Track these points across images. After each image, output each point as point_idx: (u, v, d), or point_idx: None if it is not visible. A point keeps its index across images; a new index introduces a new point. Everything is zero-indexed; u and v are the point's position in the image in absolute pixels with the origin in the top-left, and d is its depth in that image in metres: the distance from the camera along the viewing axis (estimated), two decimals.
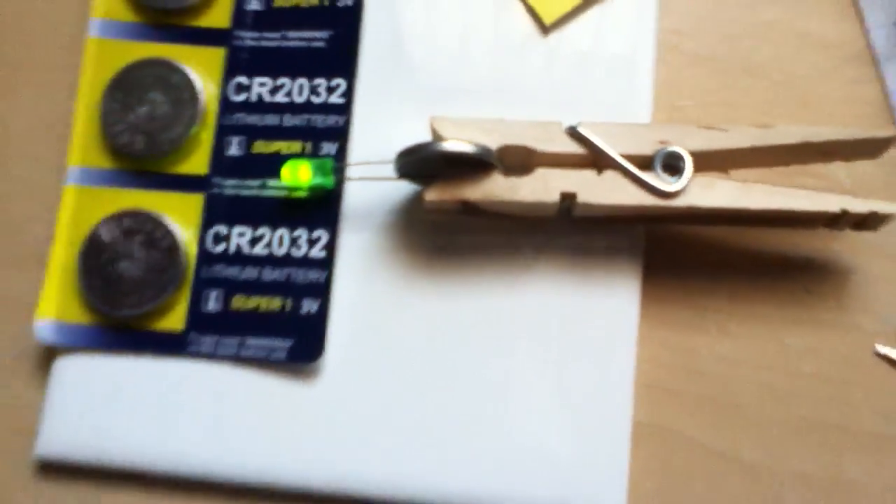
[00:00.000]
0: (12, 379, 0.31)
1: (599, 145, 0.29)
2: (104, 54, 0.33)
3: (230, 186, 0.31)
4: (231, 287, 0.30)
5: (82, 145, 0.32)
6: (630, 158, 0.29)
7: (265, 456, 0.29)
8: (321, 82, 0.32)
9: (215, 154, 0.32)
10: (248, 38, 0.33)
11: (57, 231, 0.31)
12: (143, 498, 0.30)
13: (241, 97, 0.32)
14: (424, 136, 0.29)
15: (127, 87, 0.32)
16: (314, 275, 0.30)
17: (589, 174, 0.29)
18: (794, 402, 0.30)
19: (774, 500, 0.29)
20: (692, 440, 0.30)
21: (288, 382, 0.30)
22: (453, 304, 0.30)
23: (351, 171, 0.31)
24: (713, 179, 0.29)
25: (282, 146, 0.31)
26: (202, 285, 0.30)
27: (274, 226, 0.31)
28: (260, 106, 0.32)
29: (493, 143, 0.29)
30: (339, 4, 0.33)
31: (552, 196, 0.28)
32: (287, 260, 0.30)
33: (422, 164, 0.29)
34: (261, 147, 0.31)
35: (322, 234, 0.31)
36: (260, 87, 0.32)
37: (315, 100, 0.32)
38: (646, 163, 0.29)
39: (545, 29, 0.32)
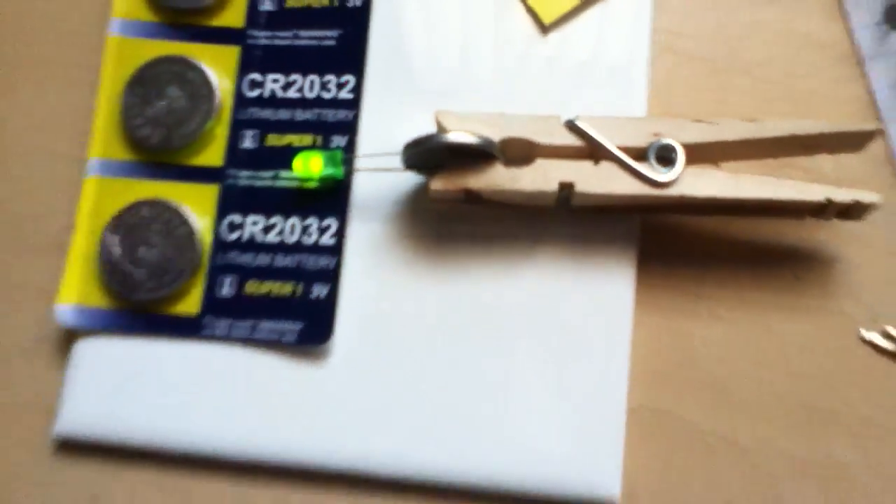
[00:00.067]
0: (34, 360, 0.32)
1: (596, 138, 0.30)
2: (124, 52, 0.34)
3: (244, 177, 0.33)
4: (244, 273, 0.32)
5: (103, 138, 0.33)
6: (625, 150, 0.30)
7: (275, 434, 0.30)
8: (331, 79, 0.33)
9: (230, 147, 0.33)
10: (262, 36, 0.34)
11: (78, 220, 0.33)
12: (157, 474, 0.31)
13: (255, 93, 0.33)
14: (429, 130, 0.30)
15: (146, 82, 0.33)
16: (324, 261, 0.32)
17: (586, 165, 0.30)
18: (782, 384, 0.31)
19: (766, 479, 0.30)
20: (685, 422, 0.31)
21: (298, 364, 0.31)
22: (456, 290, 0.31)
23: (360, 163, 0.32)
24: (704, 170, 0.30)
25: (294, 139, 0.33)
26: (217, 271, 0.32)
27: (286, 215, 0.32)
28: (273, 101, 0.33)
29: (495, 135, 0.30)
30: (349, 5, 0.34)
31: (551, 185, 0.30)
32: (298, 247, 0.32)
33: (427, 155, 0.30)
34: (274, 140, 0.33)
35: (332, 223, 0.32)
36: (273, 83, 0.34)
37: (325, 95, 0.33)
38: (640, 154, 0.30)
39: (544, 29, 0.34)
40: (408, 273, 0.32)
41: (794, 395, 0.31)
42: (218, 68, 0.34)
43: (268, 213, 0.32)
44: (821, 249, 0.32)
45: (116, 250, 0.32)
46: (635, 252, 0.32)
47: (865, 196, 0.30)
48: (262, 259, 0.32)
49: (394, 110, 0.33)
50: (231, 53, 0.34)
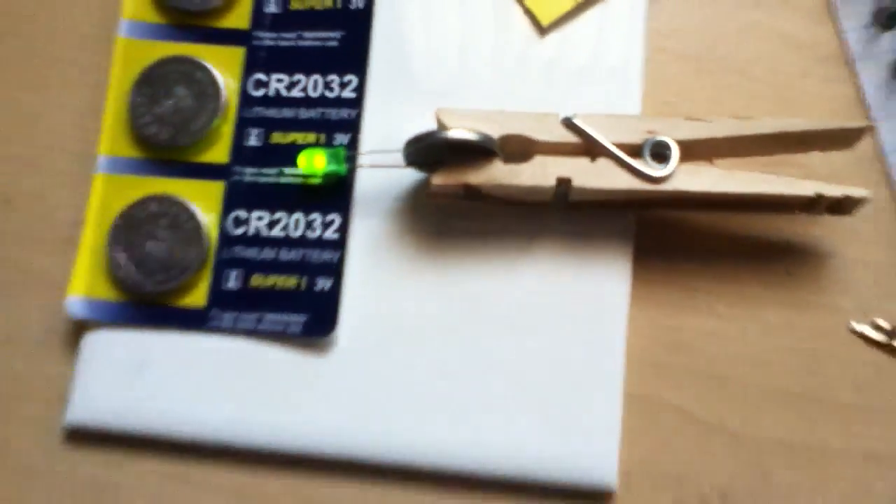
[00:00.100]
0: (45, 351, 0.33)
1: (593, 135, 0.31)
2: (132, 52, 0.35)
3: (249, 174, 0.34)
4: (250, 267, 0.33)
5: (111, 136, 0.34)
6: (621, 147, 0.31)
7: (280, 422, 0.31)
8: (334, 78, 0.34)
9: (235, 144, 0.34)
10: (267, 37, 0.35)
11: (87, 216, 0.33)
12: (165, 463, 0.32)
13: (260, 92, 0.34)
14: (430, 127, 0.31)
15: (153, 82, 0.34)
16: (328, 255, 0.32)
17: (583, 161, 0.31)
18: (775, 375, 0.32)
19: (757, 466, 0.31)
20: (680, 411, 0.32)
21: (302, 355, 0.32)
22: (455, 283, 0.32)
23: (362, 160, 0.33)
24: (698, 167, 0.31)
25: (298, 137, 0.34)
26: (223, 265, 0.33)
27: (290, 210, 0.33)
28: (277, 100, 0.34)
29: (495, 132, 0.31)
30: (351, 7, 0.35)
31: (549, 181, 0.31)
32: (302, 241, 0.33)
33: (428, 151, 0.31)
34: (278, 138, 0.34)
35: (335, 218, 0.33)
36: (277, 82, 0.34)
37: (329, 94, 0.34)
38: (635, 151, 0.31)
39: (542, 30, 0.35)
40: (409, 266, 0.33)
41: (786, 385, 0.32)
42: (224, 68, 0.35)
43: (273, 209, 0.33)
44: (814, 244, 0.33)
45: (125, 244, 0.32)
46: (631, 248, 0.33)
47: (855, 191, 0.30)
48: (268, 253, 0.33)
49: (395, 109, 0.34)
50: (236, 54, 0.35)
